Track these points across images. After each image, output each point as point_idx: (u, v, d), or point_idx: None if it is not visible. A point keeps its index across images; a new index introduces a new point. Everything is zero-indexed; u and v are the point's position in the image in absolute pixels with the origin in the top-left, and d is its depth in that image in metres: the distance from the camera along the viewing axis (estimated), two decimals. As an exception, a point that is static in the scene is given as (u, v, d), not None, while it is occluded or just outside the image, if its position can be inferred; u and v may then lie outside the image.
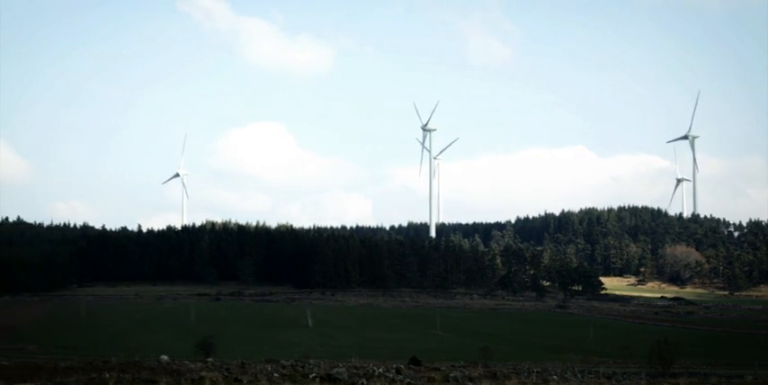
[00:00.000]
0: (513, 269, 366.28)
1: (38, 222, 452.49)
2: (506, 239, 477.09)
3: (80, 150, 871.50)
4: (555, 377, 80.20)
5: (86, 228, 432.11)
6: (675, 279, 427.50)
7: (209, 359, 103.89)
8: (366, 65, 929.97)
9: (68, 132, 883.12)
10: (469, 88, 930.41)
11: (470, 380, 67.61)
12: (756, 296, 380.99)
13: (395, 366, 78.91)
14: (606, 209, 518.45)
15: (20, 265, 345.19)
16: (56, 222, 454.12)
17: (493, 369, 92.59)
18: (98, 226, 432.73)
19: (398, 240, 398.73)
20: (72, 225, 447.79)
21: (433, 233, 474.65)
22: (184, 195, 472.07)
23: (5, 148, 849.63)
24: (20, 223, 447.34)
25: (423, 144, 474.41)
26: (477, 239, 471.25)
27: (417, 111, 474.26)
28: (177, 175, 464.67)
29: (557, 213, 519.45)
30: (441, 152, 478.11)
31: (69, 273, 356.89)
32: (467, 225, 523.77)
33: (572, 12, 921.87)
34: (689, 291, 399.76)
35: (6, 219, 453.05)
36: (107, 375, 54.36)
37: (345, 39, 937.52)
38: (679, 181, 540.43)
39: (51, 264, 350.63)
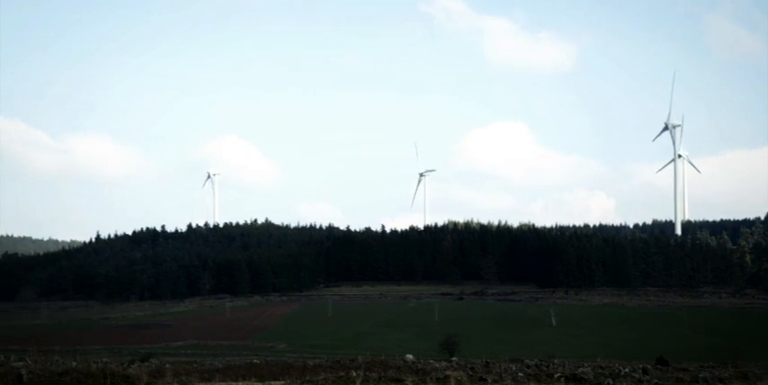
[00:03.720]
0: (764, 267, 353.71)
1: (285, 224, 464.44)
2: (756, 236, 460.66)
3: (326, 153, 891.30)
4: (811, 379, 76.93)
5: (332, 229, 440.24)
6: None
7: (454, 358, 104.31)
8: (609, 61, 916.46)
9: (314, 135, 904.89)
10: (715, 82, 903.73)
11: (720, 380, 65.53)
12: None
13: (641, 366, 77.30)
14: None
15: (268, 266, 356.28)
16: (302, 223, 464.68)
17: (744, 369, 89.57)
18: (343, 226, 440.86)
19: (642, 238, 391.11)
20: (318, 226, 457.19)
21: (678, 231, 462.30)
22: (425, 195, 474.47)
23: (255, 153, 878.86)
24: (268, 225, 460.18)
25: (671, 137, 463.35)
26: (725, 237, 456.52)
27: (671, 103, 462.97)
28: (422, 175, 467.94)
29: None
30: (679, 146, 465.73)
31: (315, 273, 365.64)
32: (713, 222, 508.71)
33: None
34: None
35: (255, 220, 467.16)
36: (354, 374, 55.15)
37: (588, 35, 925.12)
38: None
39: (298, 265, 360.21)
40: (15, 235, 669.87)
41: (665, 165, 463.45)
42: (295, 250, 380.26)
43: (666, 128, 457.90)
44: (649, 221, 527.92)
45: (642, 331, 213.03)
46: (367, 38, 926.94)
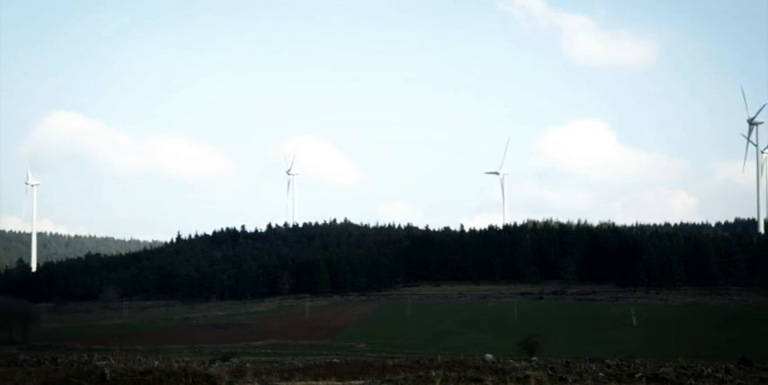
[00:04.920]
0: None
1: (364, 223, 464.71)
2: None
3: (404, 152, 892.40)
4: None
5: (410, 229, 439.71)
6: None
7: (534, 358, 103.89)
8: (690, 57, 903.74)
9: (392, 134, 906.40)
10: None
11: (805, 381, 64.45)
12: None
13: (724, 366, 76.36)
14: None
15: (348, 266, 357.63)
16: (381, 223, 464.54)
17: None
18: (421, 226, 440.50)
19: (725, 237, 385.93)
20: (396, 226, 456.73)
21: (761, 229, 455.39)
22: (504, 194, 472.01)
23: (334, 153, 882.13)
24: (347, 224, 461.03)
25: (748, 138, 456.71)
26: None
27: (745, 102, 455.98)
28: (497, 173, 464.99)
29: None
30: (762, 143, 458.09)
31: (394, 272, 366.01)
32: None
33: None
34: None
35: (334, 220, 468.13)
36: (433, 373, 55.14)
37: (668, 31, 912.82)
38: None
39: (377, 264, 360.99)
40: (98, 235, 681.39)
41: (746, 164, 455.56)
42: (374, 250, 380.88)
43: (750, 125, 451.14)
44: (732, 220, 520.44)
45: (725, 331, 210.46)
46: (445, 37, 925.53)
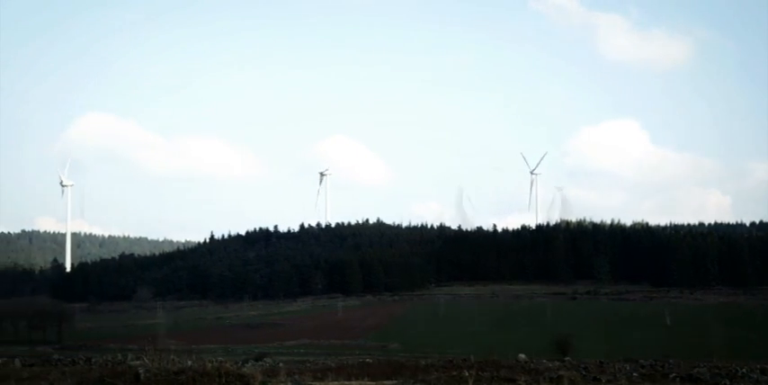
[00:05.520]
0: None
1: (396, 223, 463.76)
2: None
3: (437, 152, 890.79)
4: None
5: (443, 229, 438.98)
6: None
7: (567, 358, 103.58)
8: (724, 56, 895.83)
9: (425, 134, 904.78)
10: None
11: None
12: None
13: (759, 366, 75.86)
14: None
15: (380, 265, 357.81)
16: (413, 223, 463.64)
17: None
18: (454, 226, 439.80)
19: (759, 236, 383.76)
20: (429, 225, 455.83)
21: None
22: (537, 194, 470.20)
23: (366, 152, 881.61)
24: (379, 224, 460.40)
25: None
26: None
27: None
28: (532, 172, 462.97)
29: None
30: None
31: (427, 272, 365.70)
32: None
33: None
34: None
35: (367, 220, 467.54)
36: (466, 373, 55.08)
37: (703, 30, 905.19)
38: None
39: (409, 264, 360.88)
40: (132, 235, 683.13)
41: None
42: (406, 250, 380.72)
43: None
44: (767, 219, 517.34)
45: (760, 331, 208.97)
46: (477, 36, 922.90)
